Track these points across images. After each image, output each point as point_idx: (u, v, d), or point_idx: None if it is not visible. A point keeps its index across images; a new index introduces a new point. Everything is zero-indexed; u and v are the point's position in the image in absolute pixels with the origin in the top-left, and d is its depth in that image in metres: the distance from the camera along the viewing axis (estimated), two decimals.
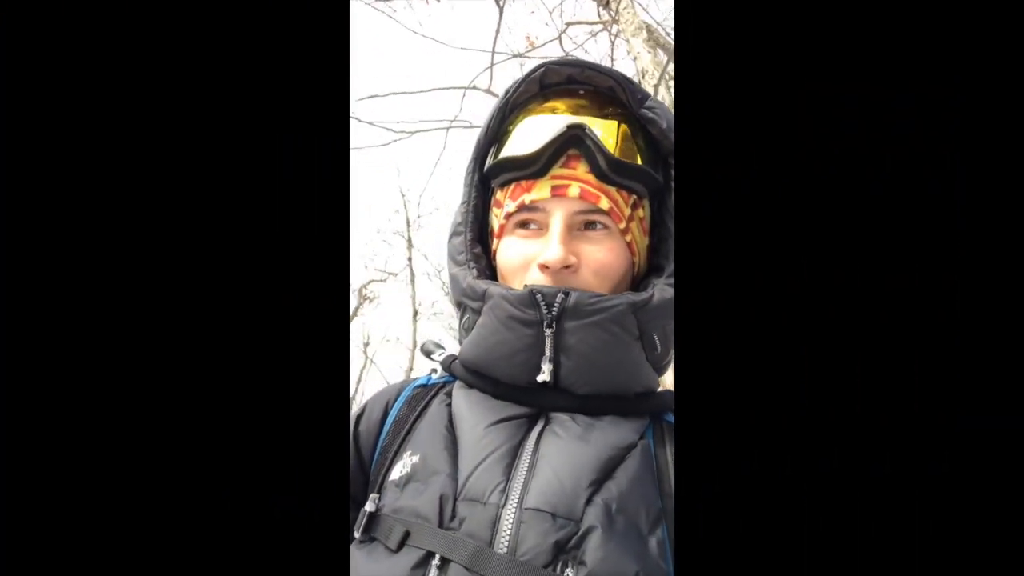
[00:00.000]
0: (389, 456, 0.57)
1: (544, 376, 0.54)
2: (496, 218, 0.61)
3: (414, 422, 0.59)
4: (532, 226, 0.58)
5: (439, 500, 0.51)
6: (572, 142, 0.56)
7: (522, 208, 0.58)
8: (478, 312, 0.58)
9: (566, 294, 0.54)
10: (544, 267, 0.56)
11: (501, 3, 3.32)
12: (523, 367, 0.56)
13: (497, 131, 0.62)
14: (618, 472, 0.52)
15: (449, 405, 0.60)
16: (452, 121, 3.67)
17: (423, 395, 0.63)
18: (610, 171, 0.56)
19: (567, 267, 0.56)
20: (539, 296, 0.54)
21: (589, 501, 0.50)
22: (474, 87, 3.62)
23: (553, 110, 0.59)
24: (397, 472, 0.55)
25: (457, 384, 0.62)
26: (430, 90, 3.67)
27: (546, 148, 0.56)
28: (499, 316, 0.56)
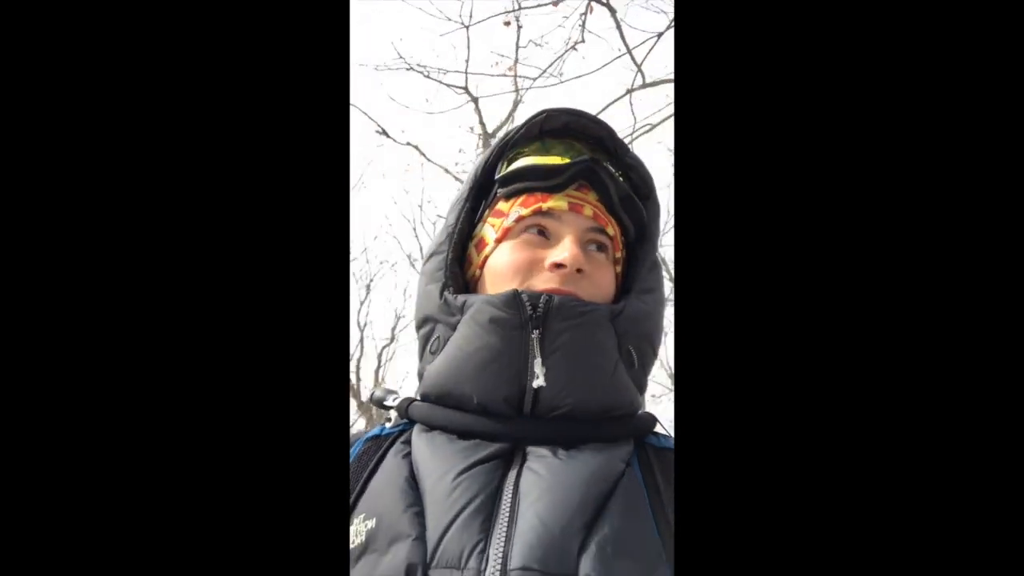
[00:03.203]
0: None
1: (540, 381, 0.52)
2: (493, 228, 0.61)
3: (366, 481, 0.52)
4: (542, 234, 0.58)
5: (405, 571, 0.44)
6: (587, 173, 0.59)
7: (537, 213, 0.58)
8: (453, 328, 0.56)
9: (550, 297, 0.53)
10: (558, 265, 0.55)
11: None
12: (504, 373, 0.53)
13: (496, 163, 0.63)
14: (609, 507, 0.47)
15: (408, 455, 0.53)
16: None
17: (375, 448, 0.55)
18: (619, 202, 0.60)
19: (579, 271, 0.56)
20: (524, 296, 0.53)
21: (583, 547, 0.44)
22: None
23: (553, 148, 0.63)
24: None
25: (416, 429, 0.56)
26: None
27: (570, 166, 0.59)
28: (480, 321, 0.54)
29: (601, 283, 0.58)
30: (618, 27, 3.06)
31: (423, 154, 5.52)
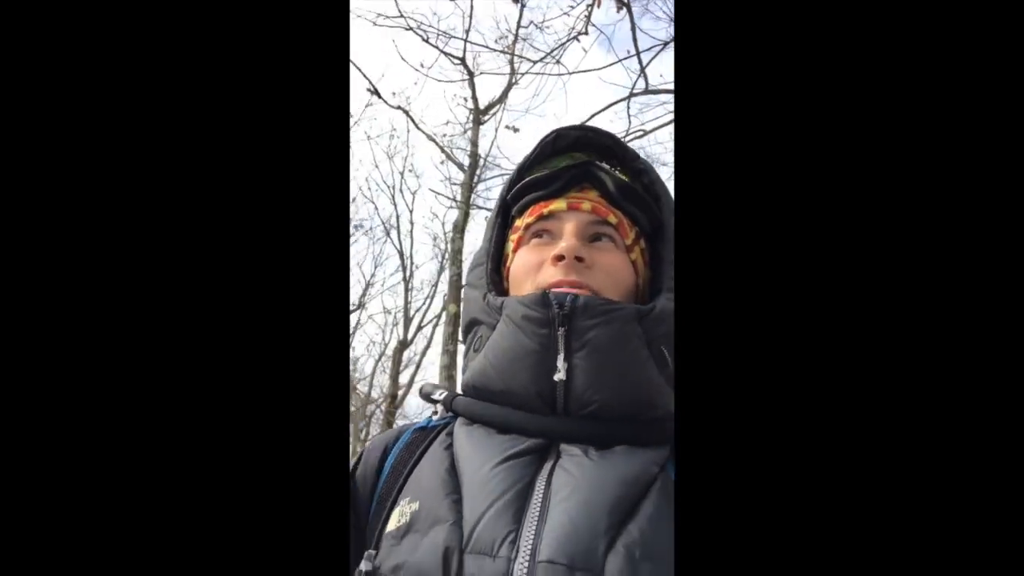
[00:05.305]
0: (387, 505, 0.54)
1: (560, 375, 0.54)
2: (512, 242, 0.67)
3: (412, 467, 0.56)
4: (546, 236, 0.63)
5: (443, 553, 0.47)
6: (585, 175, 0.64)
7: (539, 218, 0.64)
8: (492, 327, 0.59)
9: (576, 297, 0.56)
10: (558, 258, 0.59)
11: None
12: (535, 369, 0.55)
13: (517, 182, 0.69)
14: (640, 511, 0.49)
15: (450, 447, 0.57)
16: None
17: (422, 439, 0.60)
18: (618, 194, 0.63)
19: (579, 259, 0.59)
20: (551, 296, 0.56)
21: (610, 547, 0.46)
22: None
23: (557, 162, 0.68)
24: (394, 522, 0.52)
25: (459, 422, 0.59)
26: None
27: (564, 172, 0.64)
28: (514, 318, 0.58)
29: (612, 270, 0.60)
30: (633, 28, 3.03)
31: (412, 119, 5.44)
